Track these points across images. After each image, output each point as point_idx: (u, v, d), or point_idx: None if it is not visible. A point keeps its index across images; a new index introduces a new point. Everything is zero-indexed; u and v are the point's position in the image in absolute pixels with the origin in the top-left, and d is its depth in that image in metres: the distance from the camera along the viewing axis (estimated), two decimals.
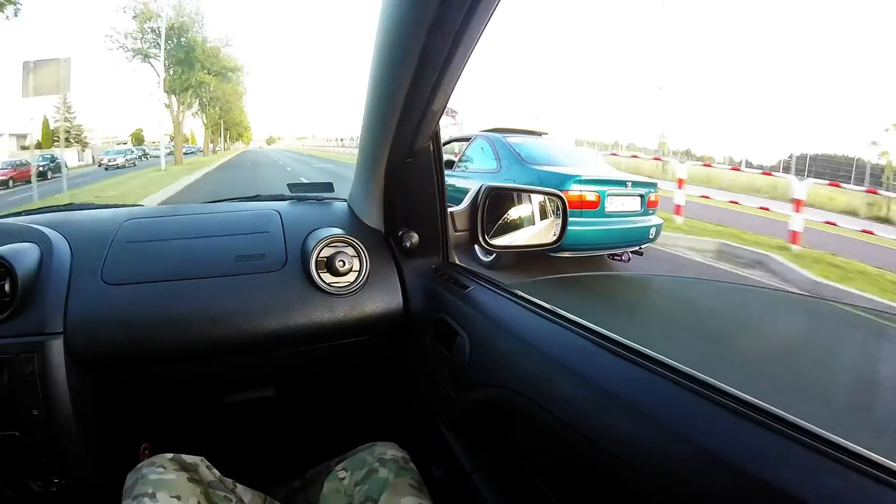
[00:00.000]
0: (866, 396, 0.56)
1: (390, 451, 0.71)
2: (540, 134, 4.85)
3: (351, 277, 0.82)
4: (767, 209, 6.51)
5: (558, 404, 0.50)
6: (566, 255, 3.73)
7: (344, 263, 0.81)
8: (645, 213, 4.00)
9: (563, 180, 3.58)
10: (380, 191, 0.87)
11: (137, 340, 0.75)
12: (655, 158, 12.42)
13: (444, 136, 0.85)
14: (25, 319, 0.72)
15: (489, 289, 0.73)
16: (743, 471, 0.33)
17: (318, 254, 0.81)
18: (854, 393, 0.57)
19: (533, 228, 0.99)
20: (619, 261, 4.22)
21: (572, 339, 0.54)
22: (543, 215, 1.00)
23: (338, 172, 13.60)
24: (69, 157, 18.10)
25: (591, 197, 3.57)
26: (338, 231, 0.84)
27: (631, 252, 4.12)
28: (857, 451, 0.31)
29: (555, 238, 0.97)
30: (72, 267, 0.78)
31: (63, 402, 0.72)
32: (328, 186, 1.06)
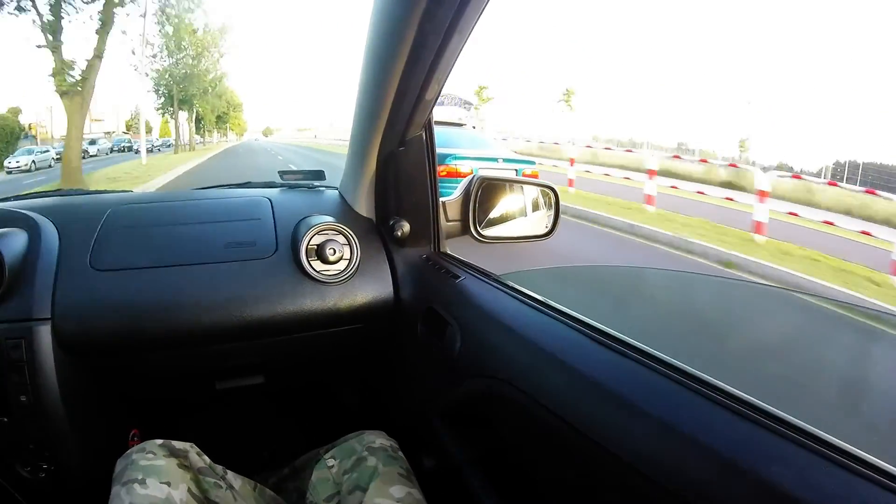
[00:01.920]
0: (858, 395, 0.56)
1: (379, 439, 0.71)
2: (460, 125, 5.83)
3: (341, 266, 0.82)
4: (869, 233, 5.43)
5: (549, 395, 0.50)
6: None
7: (334, 251, 0.81)
8: None
9: (442, 158, 4.34)
10: (371, 179, 0.87)
11: (126, 327, 0.74)
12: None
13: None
14: (13, 305, 0.71)
15: (480, 279, 0.73)
16: (733, 465, 0.33)
17: (309, 241, 0.81)
18: (845, 391, 0.58)
19: (524, 220, 0.99)
20: None
21: (564, 331, 0.54)
22: (535, 207, 1.01)
23: None
24: None
25: (464, 169, 4.71)
26: (328, 219, 0.84)
27: None
28: (849, 449, 0.32)
29: (546, 230, 0.97)
30: (60, 253, 0.77)
31: (51, 389, 0.72)
32: (319, 174, 1.05)
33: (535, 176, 5.20)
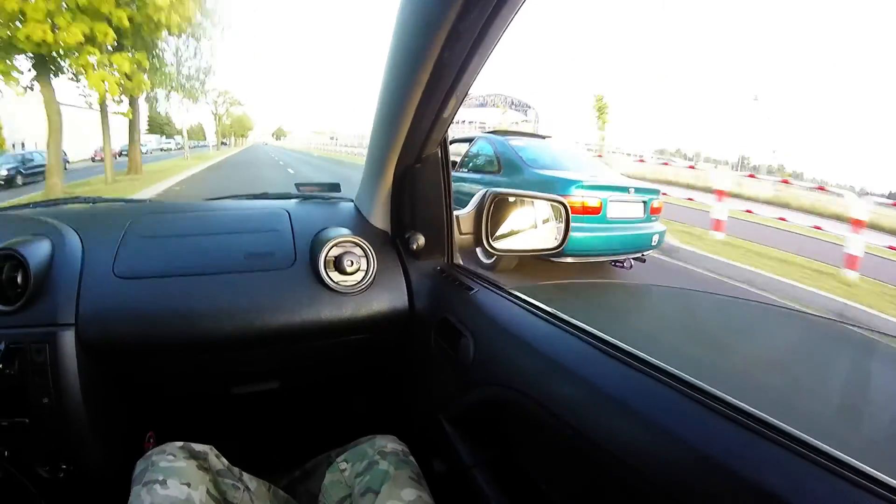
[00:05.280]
0: (858, 409, 0.58)
1: (390, 444, 0.73)
2: (543, 137, 4.87)
3: (358, 277, 0.84)
4: None
5: (558, 404, 0.52)
6: (568, 259, 3.69)
7: (352, 263, 0.83)
8: (648, 220, 3.95)
9: (564, 185, 3.51)
10: (388, 193, 0.89)
11: (148, 334, 0.76)
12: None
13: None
14: (38, 310, 0.74)
15: (493, 291, 0.75)
16: (733, 473, 0.35)
17: (328, 253, 0.83)
18: (845, 405, 0.60)
19: (535, 233, 1.01)
20: (621, 267, 4.14)
21: (573, 343, 0.56)
22: (546, 220, 1.03)
23: None
24: None
25: (593, 203, 3.52)
26: (346, 231, 0.87)
27: (633, 259, 4.08)
28: (842, 458, 0.34)
29: (557, 243, 0.99)
30: (83, 260, 0.80)
31: (73, 391, 0.74)
32: (335, 186, 1.08)
33: (661, 208, 4.10)
